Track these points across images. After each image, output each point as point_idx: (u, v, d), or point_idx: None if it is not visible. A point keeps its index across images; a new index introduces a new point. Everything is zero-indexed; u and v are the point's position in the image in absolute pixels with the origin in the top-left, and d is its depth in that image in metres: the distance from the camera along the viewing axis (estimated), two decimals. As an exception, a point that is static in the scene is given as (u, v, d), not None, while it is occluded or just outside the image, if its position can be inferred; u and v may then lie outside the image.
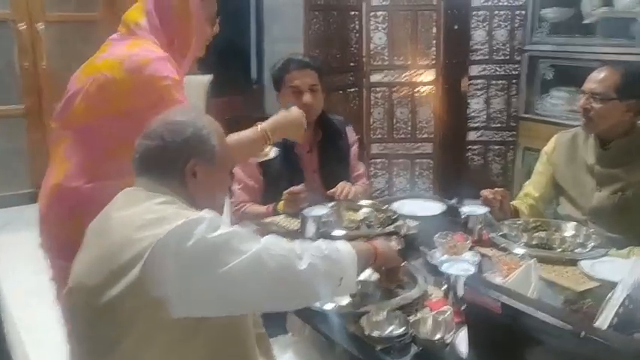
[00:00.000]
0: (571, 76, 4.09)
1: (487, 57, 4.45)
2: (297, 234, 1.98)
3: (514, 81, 4.48)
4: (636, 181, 2.08)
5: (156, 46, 1.75)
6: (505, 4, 4.37)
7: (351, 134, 2.56)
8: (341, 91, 3.99)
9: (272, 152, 1.95)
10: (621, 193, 2.09)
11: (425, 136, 4.33)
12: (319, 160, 2.40)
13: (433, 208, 2.26)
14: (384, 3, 4.11)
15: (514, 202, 2.29)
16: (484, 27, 4.40)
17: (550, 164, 2.30)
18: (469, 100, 4.51)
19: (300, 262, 1.27)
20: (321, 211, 1.93)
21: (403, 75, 4.20)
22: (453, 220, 2.12)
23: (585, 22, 3.92)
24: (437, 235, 1.79)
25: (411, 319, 1.40)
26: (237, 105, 5.18)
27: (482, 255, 1.81)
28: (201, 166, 1.37)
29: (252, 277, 1.21)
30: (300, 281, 1.27)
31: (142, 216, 1.25)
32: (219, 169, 1.42)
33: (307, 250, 1.30)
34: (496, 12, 4.40)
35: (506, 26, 4.44)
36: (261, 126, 1.91)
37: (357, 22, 4.08)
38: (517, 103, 4.40)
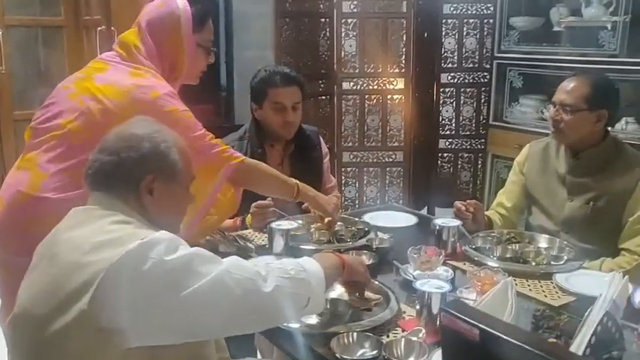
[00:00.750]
0: (540, 84, 4.13)
1: (457, 65, 4.45)
2: (265, 249, 1.92)
3: (483, 89, 4.50)
4: (607, 190, 2.06)
5: (158, 76, 1.75)
6: (474, 12, 4.38)
7: (324, 146, 2.51)
8: (312, 99, 3.93)
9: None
10: (593, 203, 2.07)
11: (396, 144, 4.30)
12: (290, 172, 2.34)
13: (405, 219, 2.21)
14: (354, 10, 4.08)
15: (487, 213, 2.26)
16: (454, 35, 4.40)
17: (522, 174, 2.28)
18: (439, 108, 4.51)
19: (265, 284, 1.20)
20: (289, 224, 1.87)
21: (374, 83, 4.17)
22: (425, 232, 2.07)
23: (554, 30, 3.96)
24: (410, 250, 1.73)
25: (384, 340, 1.34)
26: (207, 114, 5.09)
27: (456, 269, 1.76)
28: (159, 183, 1.28)
29: (215, 302, 1.14)
30: (265, 304, 1.20)
31: (94, 237, 1.15)
32: (178, 186, 1.33)
33: (272, 272, 1.23)
34: (465, 20, 4.41)
35: (475, 34, 4.45)
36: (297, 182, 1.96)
37: (327, 29, 4.04)
38: (487, 111, 4.41)
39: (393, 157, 4.31)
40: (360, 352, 1.31)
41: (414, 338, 1.31)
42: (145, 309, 1.09)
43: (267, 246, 1.92)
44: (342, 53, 4.12)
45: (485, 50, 4.45)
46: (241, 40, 5.52)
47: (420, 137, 4.41)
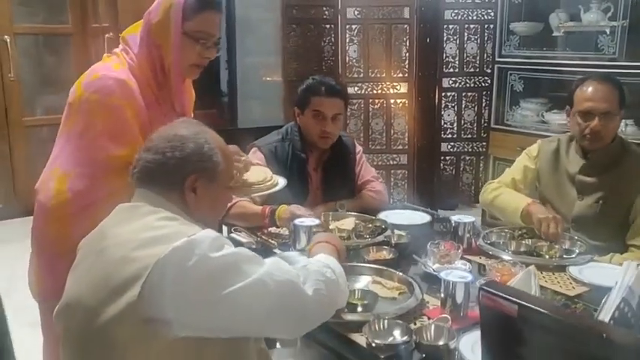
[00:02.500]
0: (540, 87, 4.22)
1: (458, 69, 4.55)
2: (286, 245, 1.99)
3: (484, 93, 4.59)
4: (615, 189, 2.14)
5: (125, 65, 1.73)
6: (475, 18, 4.48)
7: (358, 147, 2.57)
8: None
9: (280, 182, 1.96)
10: (602, 202, 2.14)
11: (400, 147, 4.39)
12: (323, 178, 2.41)
13: (419, 217, 2.28)
14: (358, 16, 4.17)
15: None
16: (455, 40, 4.50)
17: (535, 166, 2.33)
18: (441, 112, 4.60)
19: (305, 287, 1.26)
20: (312, 222, 1.94)
21: (378, 87, 4.26)
22: (439, 229, 2.14)
23: (553, 35, 4.05)
24: (429, 244, 1.81)
25: (412, 327, 1.41)
26: (211, 119, 5.16)
27: (472, 263, 1.84)
28: (202, 182, 1.34)
29: (256, 302, 1.19)
30: (306, 307, 1.26)
31: (141, 233, 1.21)
32: (220, 186, 1.39)
33: (310, 275, 1.29)
34: (466, 26, 4.51)
35: (476, 39, 4.55)
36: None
37: (332, 35, 4.12)
38: (488, 115, 4.50)
39: (398, 159, 4.39)
40: (392, 338, 1.37)
41: (442, 324, 1.38)
42: (189, 303, 1.15)
43: (288, 242, 1.99)
44: (347, 58, 4.20)
45: (486, 55, 4.55)
46: (244, 45, 5.61)
47: (423, 140, 4.50)
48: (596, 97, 2.10)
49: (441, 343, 1.32)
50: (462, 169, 4.78)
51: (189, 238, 1.18)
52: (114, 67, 1.72)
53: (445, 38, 4.45)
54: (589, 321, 0.96)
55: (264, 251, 1.93)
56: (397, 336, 1.37)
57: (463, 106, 4.62)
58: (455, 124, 4.63)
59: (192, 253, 1.16)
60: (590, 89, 2.11)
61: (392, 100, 4.32)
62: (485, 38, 4.53)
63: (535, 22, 4.14)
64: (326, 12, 4.10)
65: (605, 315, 1.33)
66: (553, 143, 2.32)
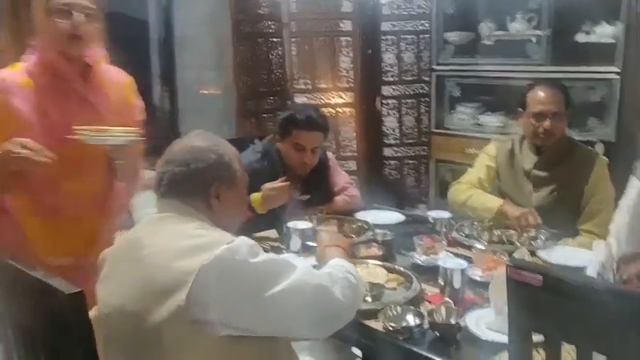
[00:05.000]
0: (475, 92, 4.52)
1: (397, 78, 4.78)
2: (278, 249, 2.10)
3: (423, 99, 4.84)
4: (566, 181, 2.39)
5: (20, 66, 1.79)
6: (411, 28, 4.73)
7: (329, 156, 2.69)
8: (270, 114, 4.13)
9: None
10: (555, 193, 2.39)
11: (349, 154, 4.56)
12: (301, 190, 2.50)
13: (395, 217, 2.45)
14: (302, 30, 4.32)
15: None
16: (393, 50, 4.73)
17: (494, 165, 2.54)
18: (383, 119, 4.82)
19: (336, 291, 1.38)
20: (304, 224, 2.06)
21: (325, 97, 4.42)
22: (416, 225, 2.33)
23: (484, 43, 4.35)
24: (415, 239, 1.98)
25: (422, 310, 1.57)
26: (152, 134, 5.15)
27: (456, 254, 2.02)
28: (224, 188, 1.45)
29: (293, 304, 1.30)
30: (336, 309, 1.38)
31: (181, 242, 1.30)
32: (239, 191, 1.51)
33: (338, 281, 1.41)
34: (402, 36, 4.75)
35: (413, 49, 4.80)
36: None
37: (279, 49, 4.25)
38: (427, 120, 4.76)
39: (347, 166, 4.56)
40: (405, 322, 1.52)
41: (450, 306, 1.55)
42: (232, 305, 1.25)
43: (280, 246, 2.10)
44: (294, 70, 4.34)
45: (422, 63, 4.81)
46: (183, 61, 5.63)
47: (369, 147, 4.69)
48: (546, 100, 2.35)
49: (452, 321, 1.48)
50: (405, 172, 5.01)
51: (229, 246, 1.28)
52: (8, 68, 1.80)
53: (384, 49, 4.67)
54: (603, 284, 1.14)
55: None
56: (410, 319, 1.52)
57: (403, 112, 4.85)
58: (397, 130, 4.86)
59: (233, 260, 1.26)
60: (540, 93, 2.36)
61: (339, 109, 4.49)
62: (422, 48, 4.78)
63: (467, 32, 4.43)
64: (272, 26, 4.23)
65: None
66: (508, 143, 2.56)
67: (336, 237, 1.79)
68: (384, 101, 4.75)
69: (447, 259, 1.71)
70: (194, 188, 1.43)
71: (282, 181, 2.23)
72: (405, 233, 2.22)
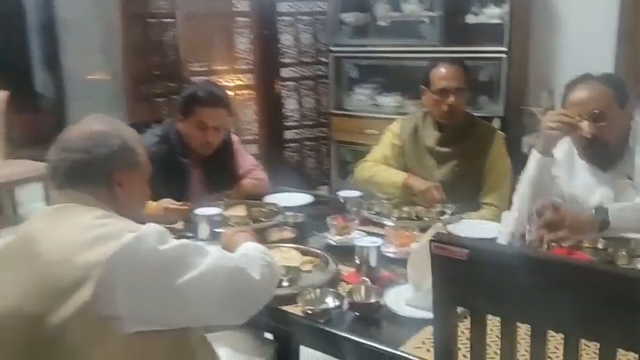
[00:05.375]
0: (373, 73, 4.58)
1: (295, 60, 4.74)
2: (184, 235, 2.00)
3: (321, 81, 4.84)
4: (468, 156, 2.45)
5: None
6: (307, 9, 4.69)
7: (234, 138, 2.60)
8: (164, 98, 3.96)
9: None
10: (457, 169, 2.45)
11: (250, 137, 4.47)
12: (204, 174, 2.41)
13: (301, 198, 2.42)
14: (200, 10, 4.16)
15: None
16: (290, 31, 4.68)
17: (399, 142, 2.57)
18: (283, 101, 4.77)
19: (253, 273, 1.33)
20: (212, 210, 1.98)
21: (224, 79, 4.30)
22: (325, 206, 2.31)
23: (380, 24, 4.40)
24: (328, 219, 1.95)
25: (341, 291, 1.54)
26: (33, 123, 4.81)
27: (368, 232, 2.01)
28: (128, 175, 1.37)
29: (208, 290, 1.24)
30: (254, 291, 1.33)
31: (83, 234, 1.20)
32: (142, 176, 1.43)
33: (253, 261, 1.37)
34: (299, 17, 4.72)
35: (310, 30, 4.77)
36: None
37: (172, 30, 4.07)
38: (326, 101, 4.76)
39: (248, 149, 4.46)
40: (325, 304, 1.49)
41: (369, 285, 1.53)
42: (142, 297, 1.17)
43: (187, 234, 2.01)
44: (190, 52, 4.18)
45: (320, 45, 4.80)
46: (67, 45, 5.28)
47: (269, 129, 4.64)
48: (449, 76, 2.40)
49: (372, 300, 1.47)
50: (306, 154, 5.00)
51: (136, 234, 1.19)
52: None
53: (281, 30, 4.61)
54: (528, 251, 1.16)
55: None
56: (329, 301, 1.50)
57: (303, 94, 4.83)
58: (297, 112, 4.83)
59: (141, 248, 1.18)
60: (443, 70, 2.41)
61: (238, 92, 4.39)
62: (319, 29, 4.77)
63: (363, 13, 4.46)
64: (164, 6, 4.04)
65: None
66: (411, 120, 2.59)
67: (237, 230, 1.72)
68: (283, 83, 4.71)
69: (361, 238, 1.70)
70: (96, 176, 1.33)
71: (183, 205, 2.12)
72: (316, 215, 2.19)
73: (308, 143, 4.95)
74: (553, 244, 1.64)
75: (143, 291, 1.17)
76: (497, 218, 2.36)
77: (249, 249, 1.45)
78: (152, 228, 1.24)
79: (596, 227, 1.70)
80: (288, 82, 4.72)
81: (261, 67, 4.46)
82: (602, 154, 1.80)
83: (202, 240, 1.93)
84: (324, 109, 4.86)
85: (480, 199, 2.45)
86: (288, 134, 4.84)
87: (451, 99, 2.37)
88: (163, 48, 4.03)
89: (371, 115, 4.45)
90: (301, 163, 4.98)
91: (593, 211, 1.72)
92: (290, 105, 4.80)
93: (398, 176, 2.42)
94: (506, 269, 1.03)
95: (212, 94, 2.36)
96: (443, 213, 2.18)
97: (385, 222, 2.10)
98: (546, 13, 4.07)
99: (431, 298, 1.39)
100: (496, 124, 3.39)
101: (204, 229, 1.94)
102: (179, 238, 1.91)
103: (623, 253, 1.68)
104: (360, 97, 4.59)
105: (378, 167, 2.51)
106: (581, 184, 1.98)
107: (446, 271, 1.10)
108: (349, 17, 4.45)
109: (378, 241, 1.67)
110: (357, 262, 1.66)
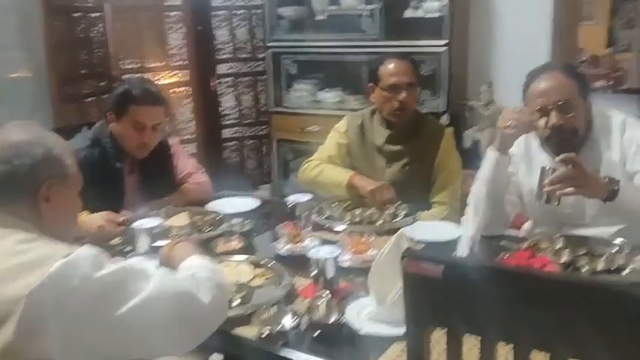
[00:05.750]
0: (312, 69, 4.46)
1: (232, 55, 4.58)
2: (121, 252, 1.84)
3: (259, 77, 4.70)
4: (417, 155, 2.38)
5: None
6: (243, 3, 4.53)
7: (172, 140, 2.44)
8: (93, 98, 3.72)
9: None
10: (408, 168, 2.38)
11: (187, 137, 4.28)
12: (140, 179, 2.24)
13: (246, 203, 2.28)
14: (129, 3, 3.93)
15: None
16: (226, 26, 4.51)
17: (345, 141, 2.47)
18: (220, 99, 4.60)
19: (201, 296, 1.19)
20: (152, 222, 1.82)
21: (158, 77, 4.08)
22: (272, 211, 2.18)
23: (318, 18, 4.29)
24: (277, 228, 1.83)
25: (297, 308, 1.43)
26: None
27: (320, 239, 1.90)
28: (55, 189, 1.21)
29: (151, 319, 1.10)
30: (204, 316, 1.19)
31: (2, 263, 1.05)
32: (72, 192, 1.28)
33: (202, 282, 1.22)
34: (234, 11, 4.55)
35: (245, 25, 4.62)
36: None
37: (100, 25, 3.82)
38: (266, 98, 4.62)
39: (187, 150, 4.28)
40: (281, 325, 1.37)
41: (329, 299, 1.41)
42: (76, 333, 1.02)
43: (125, 248, 1.85)
44: (120, 48, 3.95)
45: (256, 40, 4.65)
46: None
47: (207, 128, 4.46)
48: (400, 72, 2.32)
49: (333, 318, 1.36)
50: (246, 154, 4.85)
51: (66, 260, 1.04)
52: None
53: (216, 25, 4.43)
54: (506, 266, 1.07)
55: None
56: (287, 321, 1.38)
57: (241, 91, 4.68)
58: (235, 110, 4.67)
59: (72, 277, 1.03)
60: (393, 66, 2.33)
61: (173, 90, 4.18)
62: (254, 24, 4.62)
63: (301, 7, 4.34)
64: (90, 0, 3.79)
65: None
66: (358, 118, 2.50)
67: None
68: (220, 80, 4.53)
69: (317, 248, 1.59)
70: (18, 190, 1.17)
71: (122, 221, 1.97)
72: (264, 221, 2.07)
73: (248, 142, 4.80)
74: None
75: (76, 327, 1.02)
76: (449, 216, 2.32)
77: (196, 267, 1.30)
78: (85, 252, 1.09)
79: (606, 194, 1.67)
80: (225, 79, 4.55)
81: (196, 63, 4.26)
82: (566, 145, 1.75)
83: (141, 254, 1.77)
84: (263, 106, 4.72)
85: (431, 197, 2.39)
86: (227, 133, 4.67)
87: (403, 95, 2.30)
88: (91, 44, 3.77)
89: (312, 111, 4.34)
90: (241, 163, 4.82)
91: (607, 179, 1.69)
92: (228, 103, 4.63)
93: (343, 175, 2.32)
94: (483, 285, 0.94)
95: (147, 92, 2.19)
96: (396, 215, 2.09)
97: (337, 227, 2.00)
98: (484, 7, 4.07)
99: (396, 312, 1.31)
100: (444, 120, 3.34)
101: (143, 243, 1.78)
102: (115, 254, 1.81)
103: (584, 253, 1.64)
104: (300, 93, 4.47)
105: (323, 167, 2.40)
106: None
107: (419, 289, 1.00)
108: (287, 11, 4.31)
109: (336, 250, 1.56)
110: (314, 273, 1.54)
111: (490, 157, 1.85)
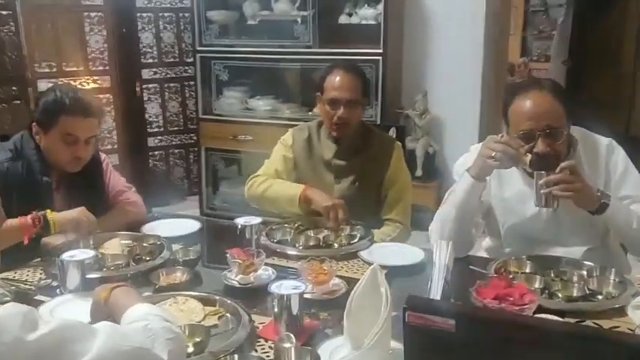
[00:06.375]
0: (243, 76, 4.29)
1: (157, 60, 4.34)
2: (50, 287, 1.61)
3: (187, 83, 4.48)
4: (367, 170, 2.27)
5: None
6: (169, 6, 4.30)
7: (103, 156, 2.21)
8: (5, 105, 3.38)
9: None
10: (357, 184, 2.25)
11: (109, 147, 4.00)
12: (68, 196, 1.99)
13: (187, 225, 2.08)
14: (44, 1, 3.61)
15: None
16: (151, 29, 4.26)
17: (291, 154, 2.32)
18: (145, 106, 4.34)
19: (157, 351, 1.02)
20: (84, 254, 1.59)
21: (76, 82, 3.78)
22: (215, 233, 2.01)
23: (250, 24, 4.13)
24: (228, 256, 1.65)
25: (264, 355, 1.27)
26: None
27: (274, 266, 1.74)
28: None
29: None
30: None
31: None
32: None
33: (157, 334, 1.05)
34: (161, 14, 4.31)
35: (172, 28, 4.39)
36: None
37: (12, 25, 3.49)
38: (194, 105, 4.40)
39: (110, 160, 4.00)
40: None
41: (288, 345, 1.26)
42: None
43: (53, 283, 1.62)
44: (34, 51, 3.62)
45: (184, 44, 4.43)
46: None
47: (131, 137, 4.19)
48: (342, 87, 2.18)
49: (305, 366, 1.21)
50: (172, 163, 4.61)
51: None
52: None
53: (141, 27, 4.18)
54: (535, 322, 0.95)
55: (23, 301, 1.53)
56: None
57: (167, 97, 4.44)
58: (160, 117, 4.42)
59: None
60: (337, 79, 2.19)
61: (94, 96, 3.88)
62: (182, 27, 4.40)
63: (231, 11, 4.17)
64: (-1, -3, 3.45)
65: (434, 293, 1.40)
66: (304, 131, 2.35)
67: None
68: (144, 86, 4.28)
69: (280, 282, 1.42)
70: None
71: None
72: (210, 246, 1.89)
73: (175, 151, 4.57)
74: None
75: None
76: (401, 235, 2.23)
77: (145, 316, 1.12)
78: (12, 310, 0.90)
79: (597, 205, 1.67)
80: (150, 85, 4.30)
81: (119, 68, 3.99)
82: (547, 166, 1.68)
83: (72, 291, 1.56)
84: (191, 113, 4.50)
85: (383, 214, 2.28)
86: (152, 141, 4.42)
87: (341, 111, 2.17)
88: (3, 46, 3.43)
89: (243, 119, 4.19)
90: (168, 173, 4.57)
91: (599, 192, 1.68)
92: (153, 110, 4.38)
93: (295, 189, 2.17)
94: (498, 338, 0.83)
95: (80, 101, 1.96)
96: (352, 237, 1.97)
97: (289, 251, 1.85)
98: (418, 16, 4.05)
99: (376, 357, 1.18)
100: (392, 133, 3.26)
101: (73, 278, 1.55)
102: (37, 292, 1.58)
103: (555, 276, 1.59)
104: (231, 100, 4.30)
105: (272, 181, 2.24)
106: (516, 193, 1.88)
107: (425, 345, 0.87)
108: (216, 15, 4.13)
109: (301, 286, 1.40)
110: (276, 310, 1.39)
111: (465, 182, 1.76)
